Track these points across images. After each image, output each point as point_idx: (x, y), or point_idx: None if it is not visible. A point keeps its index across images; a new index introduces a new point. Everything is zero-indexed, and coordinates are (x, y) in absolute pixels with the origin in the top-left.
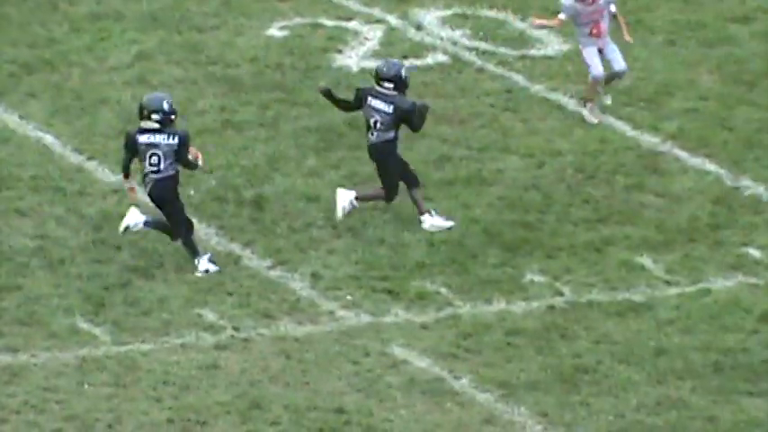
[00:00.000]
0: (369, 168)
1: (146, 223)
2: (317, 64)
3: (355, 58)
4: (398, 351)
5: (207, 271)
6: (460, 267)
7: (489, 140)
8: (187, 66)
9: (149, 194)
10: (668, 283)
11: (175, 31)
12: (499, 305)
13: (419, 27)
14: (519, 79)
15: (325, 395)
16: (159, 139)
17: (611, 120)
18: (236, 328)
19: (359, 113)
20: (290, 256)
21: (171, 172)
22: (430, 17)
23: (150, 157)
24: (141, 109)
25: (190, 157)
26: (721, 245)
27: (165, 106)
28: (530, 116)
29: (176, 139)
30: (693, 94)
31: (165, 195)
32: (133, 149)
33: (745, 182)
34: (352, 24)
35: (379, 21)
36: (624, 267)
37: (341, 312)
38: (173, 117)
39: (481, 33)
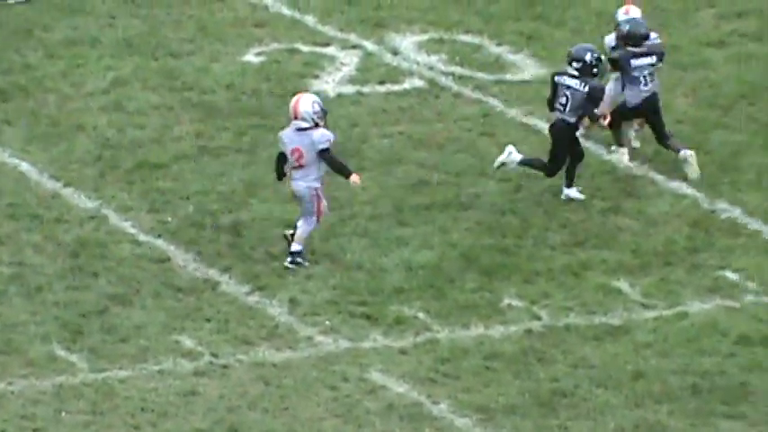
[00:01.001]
0: (346, 193)
1: (521, 162)
2: (293, 89)
3: (332, 84)
4: (377, 376)
5: (571, 197)
6: (438, 292)
7: (466, 165)
8: (163, 92)
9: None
10: (645, 306)
11: (151, 57)
12: (477, 330)
13: (395, 52)
14: (495, 104)
15: (304, 421)
16: (573, 83)
17: (587, 144)
18: (214, 355)
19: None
20: (269, 281)
21: (572, 119)
22: (406, 42)
23: (561, 96)
24: (568, 54)
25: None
26: (698, 268)
27: (588, 57)
28: (506, 140)
29: (586, 89)
30: (669, 117)
31: (560, 136)
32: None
33: (722, 205)
34: (329, 50)
35: (355, 46)
36: (601, 291)
37: (319, 338)
38: (594, 71)
39: (457, 58)
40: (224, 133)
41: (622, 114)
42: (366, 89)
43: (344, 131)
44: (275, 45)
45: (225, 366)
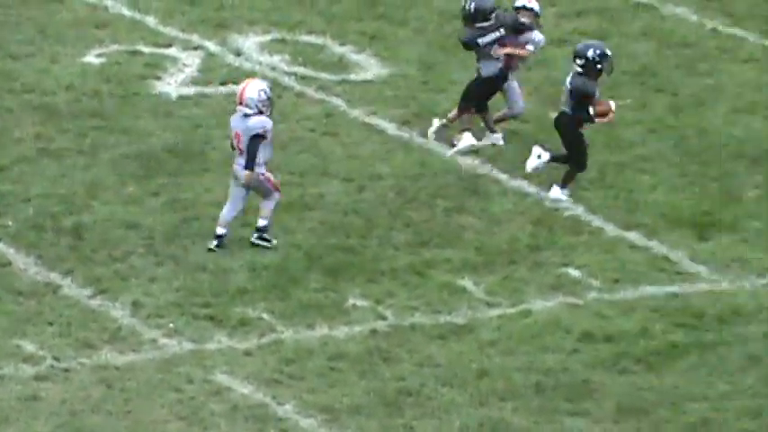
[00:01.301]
0: (190, 194)
1: (551, 159)
2: (135, 91)
3: (174, 85)
4: (221, 378)
5: (557, 199)
6: (282, 293)
7: (309, 165)
8: (2, 94)
9: None
10: (489, 304)
11: None
12: (322, 330)
13: (238, 53)
14: (338, 103)
15: (148, 424)
16: (568, 79)
17: (431, 144)
18: (56, 358)
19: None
20: (111, 284)
21: (568, 110)
22: (249, 43)
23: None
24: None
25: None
26: (541, 266)
27: (590, 54)
28: (349, 140)
29: (570, 87)
30: None
31: (565, 128)
32: None
33: (564, 203)
34: (171, 51)
35: (197, 47)
36: (446, 290)
37: (163, 340)
38: (598, 67)
39: (300, 58)
40: (64, 135)
41: (481, 93)
42: (208, 90)
43: (187, 133)
44: (116, 46)
45: (67, 370)
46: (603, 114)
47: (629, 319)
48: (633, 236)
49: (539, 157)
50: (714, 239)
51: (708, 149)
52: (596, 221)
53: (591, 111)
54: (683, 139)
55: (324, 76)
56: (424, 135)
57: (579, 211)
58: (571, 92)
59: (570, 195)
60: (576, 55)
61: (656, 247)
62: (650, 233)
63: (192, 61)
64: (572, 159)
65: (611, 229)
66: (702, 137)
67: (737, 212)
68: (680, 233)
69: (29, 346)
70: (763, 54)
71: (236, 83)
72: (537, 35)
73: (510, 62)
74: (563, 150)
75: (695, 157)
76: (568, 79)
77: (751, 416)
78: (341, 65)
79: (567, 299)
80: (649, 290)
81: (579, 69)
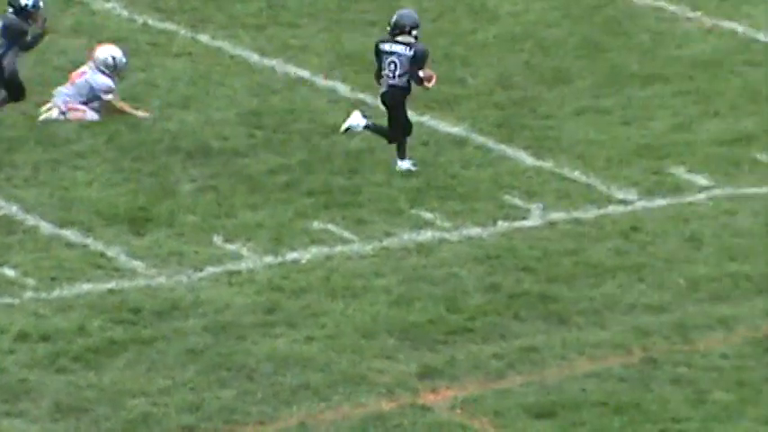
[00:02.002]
0: None
1: (366, 126)
2: None
3: None
4: None
5: (408, 170)
6: None
7: None
8: None
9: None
10: None
11: None
12: None
13: None
14: None
15: None
16: (399, 48)
17: None
18: None
19: None
20: None
21: (403, 83)
22: None
23: (389, 63)
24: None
25: (421, 74)
26: None
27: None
28: None
29: (412, 51)
30: None
31: (394, 101)
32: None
33: None
34: None
35: None
36: None
37: None
38: (415, 33)
39: None
40: None
41: None
42: None
43: None
44: None
45: None
46: (429, 79)
47: (66, 318)
48: (69, 233)
49: (358, 122)
50: (151, 234)
51: (142, 144)
52: (31, 220)
53: (421, 74)
54: (117, 134)
55: None
56: None
57: (13, 209)
58: (414, 58)
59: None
60: (409, 26)
61: (93, 243)
62: (86, 230)
63: None
64: (401, 129)
65: (46, 227)
66: (135, 132)
67: (173, 207)
68: (116, 229)
69: None
70: (194, 48)
71: None
72: None
73: None
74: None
75: (129, 153)
76: (400, 49)
77: (191, 410)
78: None
79: (4, 299)
80: (86, 287)
81: (411, 40)
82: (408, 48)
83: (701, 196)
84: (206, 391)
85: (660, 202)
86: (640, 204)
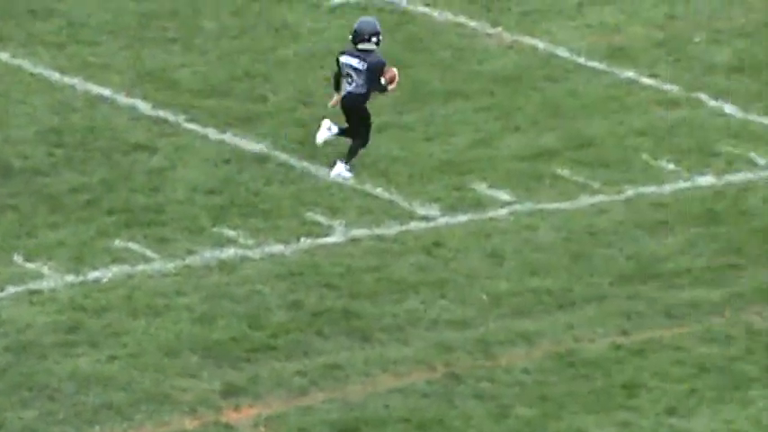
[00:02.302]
0: None
1: (339, 133)
2: None
3: None
4: None
5: (339, 175)
6: None
7: None
8: None
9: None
10: None
11: None
12: None
13: None
14: None
15: None
16: (353, 62)
17: None
18: None
19: None
20: None
21: (362, 90)
22: None
23: (346, 75)
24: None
25: (383, 80)
26: None
27: (377, 29)
28: None
29: (365, 66)
30: None
31: (353, 105)
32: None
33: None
34: None
35: None
36: None
37: None
38: (374, 39)
39: None
40: None
41: None
42: None
43: None
44: None
45: None
46: (392, 80)
47: None
48: None
49: (329, 129)
50: None
51: None
52: None
53: (383, 80)
54: None
55: None
56: None
57: None
58: (369, 71)
59: (351, 171)
60: (368, 34)
61: None
62: None
63: None
64: (360, 135)
65: None
66: None
67: None
68: None
69: None
70: None
71: None
72: None
73: None
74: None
75: None
76: (354, 62)
77: None
78: None
79: None
80: None
81: (372, 47)
82: (362, 62)
83: (503, 212)
84: (8, 410)
85: (462, 217)
86: (442, 220)
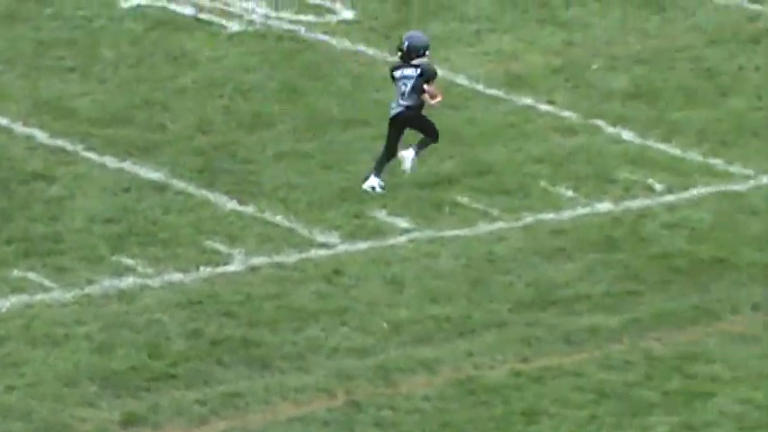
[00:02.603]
0: None
1: (417, 150)
2: None
3: None
4: None
5: (373, 188)
6: None
7: None
8: None
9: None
10: None
11: None
12: None
13: None
14: None
15: None
16: (408, 72)
17: None
18: None
19: None
20: None
21: (412, 102)
22: None
23: (399, 88)
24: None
25: (426, 87)
26: None
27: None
28: None
29: (419, 70)
30: None
31: (411, 118)
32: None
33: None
34: None
35: None
36: None
37: None
38: (425, 53)
39: None
40: None
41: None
42: None
43: None
44: None
45: None
46: (433, 96)
47: None
48: None
49: (411, 159)
50: None
51: None
52: None
53: (425, 87)
54: None
55: None
56: None
57: None
58: (423, 75)
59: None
60: (423, 48)
61: None
62: None
63: None
64: (430, 134)
65: None
66: None
67: None
68: None
69: None
70: None
71: None
72: None
73: None
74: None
75: None
76: (410, 72)
77: None
78: None
79: None
80: None
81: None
82: (416, 69)
83: (402, 239)
84: None
85: (362, 245)
86: (342, 248)
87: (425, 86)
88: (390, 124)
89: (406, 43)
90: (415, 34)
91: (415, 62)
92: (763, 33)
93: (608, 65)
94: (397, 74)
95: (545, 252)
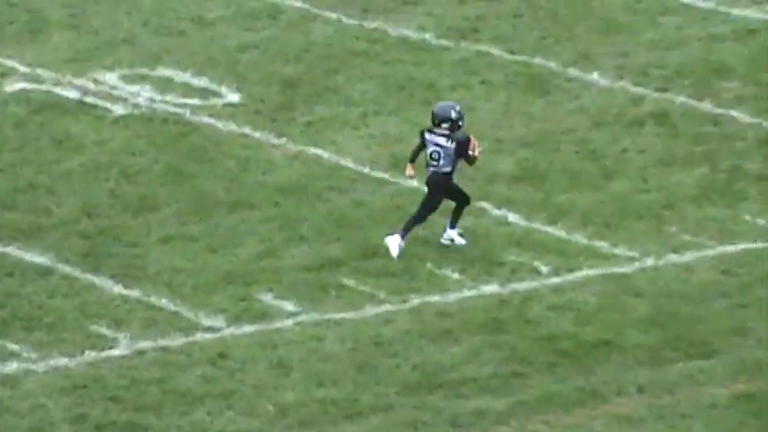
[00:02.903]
0: None
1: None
2: None
3: None
4: None
5: (453, 239)
6: None
7: None
8: None
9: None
10: None
11: None
12: None
13: None
14: None
15: None
16: (441, 141)
17: None
18: None
19: None
20: None
21: (446, 168)
22: None
23: (432, 152)
24: (433, 115)
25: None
26: None
27: (453, 115)
28: None
29: (454, 144)
30: None
31: (437, 186)
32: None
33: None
34: None
35: None
36: None
37: None
38: (460, 123)
39: None
40: None
41: None
42: None
43: None
44: None
45: None
46: (474, 149)
47: None
48: None
49: (395, 241)
50: None
51: None
52: None
53: (471, 153)
54: None
55: None
56: None
57: None
58: (458, 147)
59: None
60: (440, 119)
61: None
62: None
63: None
64: (461, 198)
65: None
66: None
67: None
68: None
69: None
70: None
71: None
72: None
73: None
74: (453, 204)
75: None
76: (442, 141)
77: None
78: None
79: None
80: None
81: (446, 132)
82: (449, 140)
83: (289, 322)
84: None
85: (248, 328)
86: (228, 331)
87: (470, 155)
88: (427, 185)
89: (434, 110)
90: (442, 104)
91: (445, 131)
92: (647, 116)
93: (493, 148)
94: (428, 137)
95: (432, 335)
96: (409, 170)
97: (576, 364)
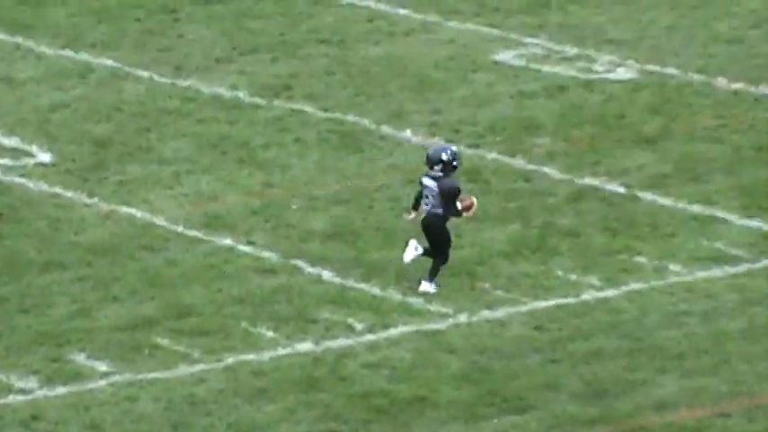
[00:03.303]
0: None
1: (423, 253)
2: None
3: None
4: None
5: (427, 292)
6: None
7: None
8: None
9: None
10: None
11: None
12: None
13: None
14: None
15: None
16: (431, 184)
17: None
18: None
19: None
20: None
21: (440, 210)
22: None
23: (426, 196)
24: (426, 158)
25: (459, 205)
26: None
27: (445, 157)
28: None
29: (437, 189)
30: None
31: (434, 225)
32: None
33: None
34: None
35: None
36: None
37: None
38: (455, 164)
39: None
40: None
41: None
42: None
43: None
44: None
45: None
46: (468, 208)
47: None
48: None
49: (415, 249)
50: None
51: None
52: None
53: (459, 206)
54: None
55: None
56: None
57: None
58: (441, 194)
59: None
60: (432, 161)
61: None
62: None
63: None
64: (441, 253)
65: None
66: None
67: None
68: None
69: None
70: None
71: None
72: None
73: None
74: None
75: None
76: (431, 183)
77: None
78: None
79: None
80: None
81: (440, 174)
82: (435, 182)
83: (102, 383)
84: None
85: (61, 389)
86: (41, 393)
87: (459, 204)
88: (423, 229)
89: (427, 154)
90: (435, 147)
91: (438, 173)
92: (460, 172)
93: (307, 205)
94: (423, 180)
95: (246, 393)
96: (408, 216)
97: (390, 422)
